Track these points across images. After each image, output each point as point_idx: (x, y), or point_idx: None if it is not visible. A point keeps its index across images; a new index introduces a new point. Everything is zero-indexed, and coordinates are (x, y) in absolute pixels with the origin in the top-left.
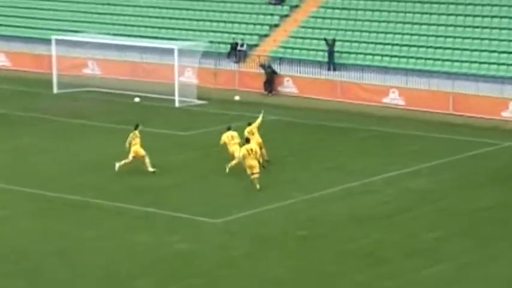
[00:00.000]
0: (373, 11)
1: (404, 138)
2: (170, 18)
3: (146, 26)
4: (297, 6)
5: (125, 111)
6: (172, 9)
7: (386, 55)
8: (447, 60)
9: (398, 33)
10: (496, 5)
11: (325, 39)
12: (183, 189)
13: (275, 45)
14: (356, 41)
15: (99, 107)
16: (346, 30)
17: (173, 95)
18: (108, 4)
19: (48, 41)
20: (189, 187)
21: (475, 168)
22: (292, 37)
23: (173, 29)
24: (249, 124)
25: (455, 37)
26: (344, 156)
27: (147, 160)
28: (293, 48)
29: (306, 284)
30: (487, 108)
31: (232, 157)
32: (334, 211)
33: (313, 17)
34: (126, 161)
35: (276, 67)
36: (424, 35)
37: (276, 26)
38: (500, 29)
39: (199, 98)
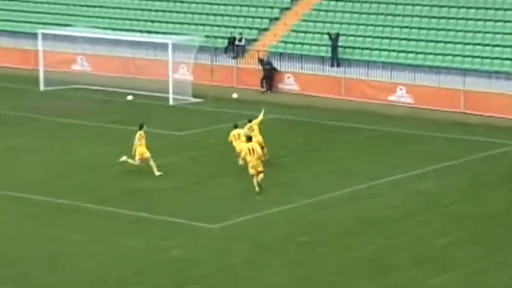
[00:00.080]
0: (379, 3)
1: (412, 138)
2: (164, 11)
3: (138, 20)
4: None
5: (116, 110)
6: (166, 1)
7: (393, 50)
8: (458, 55)
9: (406, 27)
10: None
11: (328, 34)
12: (178, 193)
13: (275, 39)
14: (361, 35)
15: (88, 105)
16: (350, 24)
17: (167, 92)
18: None
19: (34, 35)
20: (185, 190)
21: (487, 170)
22: (293, 31)
23: (167, 22)
24: (250, 121)
25: (466, 31)
26: (348, 157)
27: (152, 163)
28: (294, 43)
29: None
30: (500, 106)
31: (240, 155)
32: (338, 216)
33: (315, 9)
34: (133, 162)
35: (276, 63)
36: (433, 29)
37: (276, 19)
38: None
39: (194, 96)
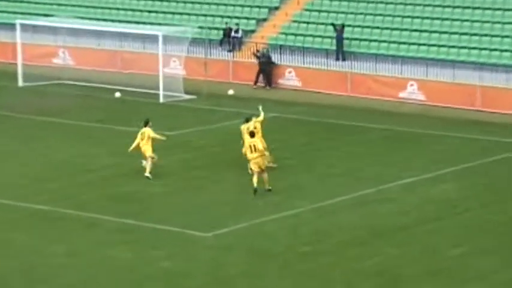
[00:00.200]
0: None
1: (424, 138)
2: (153, 0)
3: (126, 9)
4: None
5: (101, 108)
6: None
7: (404, 43)
8: (474, 48)
9: (418, 17)
10: None
11: (332, 24)
12: (168, 197)
13: (275, 31)
14: (368, 26)
15: (71, 102)
16: (356, 14)
17: (157, 88)
18: None
19: (12, 26)
20: (176, 195)
21: (506, 173)
22: (295, 21)
23: (157, 12)
24: (247, 120)
25: (483, 21)
26: (355, 159)
27: (149, 163)
28: (296, 35)
29: None
30: None
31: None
32: (344, 223)
33: None
34: (149, 164)
35: (275, 56)
36: (447, 19)
37: (276, 8)
38: None
39: (187, 93)
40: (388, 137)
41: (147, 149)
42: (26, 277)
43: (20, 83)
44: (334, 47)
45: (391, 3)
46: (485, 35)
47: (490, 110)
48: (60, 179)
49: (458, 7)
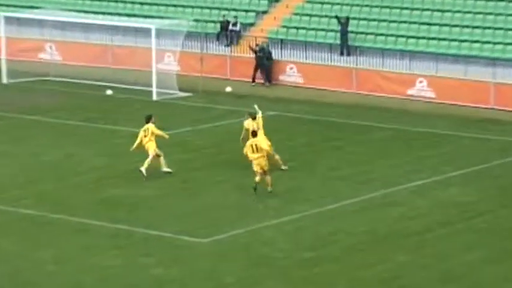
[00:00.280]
0: None
1: (435, 138)
2: None
3: (117, 1)
4: None
5: (90, 106)
6: None
7: (413, 36)
8: (487, 42)
9: (427, 10)
10: None
11: (336, 17)
12: (161, 201)
13: (275, 24)
14: (375, 19)
15: (58, 100)
16: (362, 6)
17: (150, 85)
18: None
19: None
20: (169, 198)
21: None
22: (297, 14)
23: (150, 4)
24: (254, 118)
25: (496, 14)
26: (360, 160)
27: (148, 160)
28: (297, 28)
29: None
30: None
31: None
32: (348, 228)
33: None
34: (161, 160)
35: (276, 51)
36: (458, 12)
37: (277, 0)
38: None
39: (182, 90)
40: (396, 137)
41: (150, 146)
42: (12, 284)
43: (4, 79)
44: (338, 41)
45: None
46: (499, 29)
47: (504, 108)
48: (47, 181)
49: None
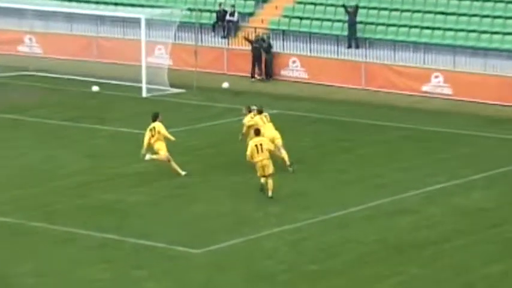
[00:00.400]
0: None
1: (452, 139)
2: None
3: None
4: None
5: (73, 104)
6: None
7: (427, 27)
8: (509, 33)
9: None
10: None
11: (344, 6)
12: (153, 208)
13: (276, 13)
14: (386, 8)
15: (39, 97)
16: None
17: (139, 81)
18: None
19: None
20: (161, 205)
21: None
22: (300, 3)
23: None
24: (260, 112)
25: None
26: (370, 163)
27: (157, 156)
28: (301, 18)
29: None
30: None
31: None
32: (357, 238)
33: None
34: (158, 158)
35: (277, 43)
36: (477, 0)
37: None
38: None
39: (174, 86)
40: (409, 137)
41: (160, 147)
42: None
43: None
44: (345, 33)
45: None
46: None
47: None
48: (27, 186)
49: None
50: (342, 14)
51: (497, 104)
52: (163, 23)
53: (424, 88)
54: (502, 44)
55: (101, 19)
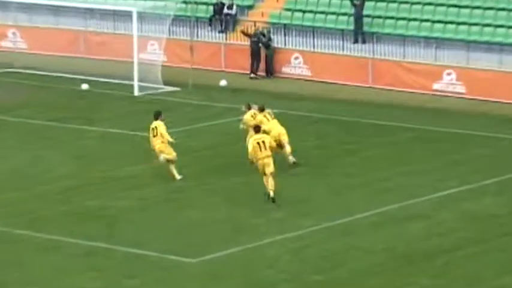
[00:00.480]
0: None
1: (465, 140)
2: None
3: None
4: None
5: (60, 103)
6: None
7: (439, 21)
8: None
9: None
10: None
11: None
12: (145, 214)
13: (277, 6)
14: (394, 1)
15: (23, 95)
16: None
17: (131, 79)
18: None
19: None
20: (155, 211)
21: None
22: None
23: None
24: (262, 109)
25: None
26: (377, 167)
27: (164, 159)
28: (304, 11)
29: None
30: None
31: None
32: (363, 246)
33: None
34: (172, 169)
35: (278, 39)
36: None
37: None
38: None
39: (168, 84)
40: (419, 138)
41: (162, 148)
42: None
43: None
44: (351, 27)
45: None
46: None
47: None
48: (10, 191)
49: None
50: (347, 7)
51: None
52: (157, 16)
53: (435, 86)
54: None
55: (89, 12)
